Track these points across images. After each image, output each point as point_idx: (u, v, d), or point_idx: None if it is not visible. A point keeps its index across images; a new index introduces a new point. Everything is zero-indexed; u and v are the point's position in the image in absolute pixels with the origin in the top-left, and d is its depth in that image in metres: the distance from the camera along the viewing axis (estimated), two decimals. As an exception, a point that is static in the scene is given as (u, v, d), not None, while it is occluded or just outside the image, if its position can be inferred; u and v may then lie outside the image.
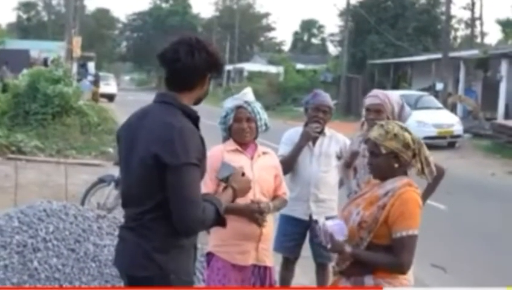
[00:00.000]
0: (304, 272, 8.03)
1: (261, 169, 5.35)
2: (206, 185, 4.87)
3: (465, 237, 11.88)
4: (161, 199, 3.72)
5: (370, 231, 4.27)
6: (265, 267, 5.46)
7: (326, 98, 7.04)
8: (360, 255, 4.29)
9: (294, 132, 7.13)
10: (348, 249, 4.27)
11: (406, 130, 4.39)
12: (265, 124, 5.49)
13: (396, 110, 6.34)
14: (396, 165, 4.35)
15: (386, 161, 4.36)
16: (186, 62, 3.82)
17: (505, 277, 9.55)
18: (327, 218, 4.61)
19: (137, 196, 3.83)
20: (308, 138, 6.87)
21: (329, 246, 4.31)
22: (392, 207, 4.24)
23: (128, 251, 3.88)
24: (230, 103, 5.46)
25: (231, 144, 5.43)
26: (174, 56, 3.85)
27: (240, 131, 5.39)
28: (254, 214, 5.23)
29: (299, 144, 6.86)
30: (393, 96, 6.50)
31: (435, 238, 10.54)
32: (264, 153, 5.55)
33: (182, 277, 3.88)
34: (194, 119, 3.87)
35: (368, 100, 6.46)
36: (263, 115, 5.47)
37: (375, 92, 6.68)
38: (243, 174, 4.24)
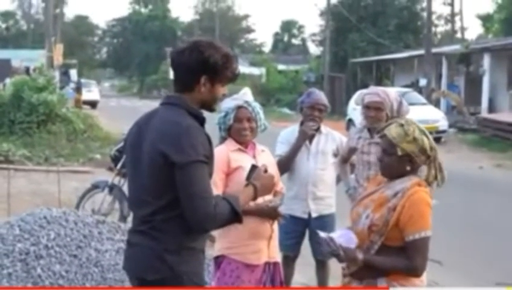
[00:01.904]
0: (302, 270, 8.04)
1: (265, 165, 5.38)
2: (216, 186, 4.92)
3: (457, 230, 11.92)
4: (171, 198, 3.72)
5: (381, 234, 4.21)
6: (275, 263, 5.50)
7: (321, 96, 7.06)
8: (374, 262, 4.21)
9: (290, 131, 7.16)
10: (360, 256, 4.19)
11: (425, 134, 4.29)
12: (264, 124, 5.53)
13: (395, 107, 6.39)
14: (408, 168, 4.27)
15: (400, 163, 4.27)
16: (178, 61, 3.89)
17: (495, 267, 9.72)
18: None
19: (147, 196, 3.82)
20: (306, 137, 6.90)
21: (341, 255, 4.21)
22: (402, 209, 4.16)
23: (139, 254, 3.87)
24: (229, 103, 5.46)
25: (233, 144, 5.44)
26: (171, 56, 3.95)
27: (241, 131, 5.40)
28: (270, 212, 5.26)
29: (297, 143, 6.89)
30: (392, 93, 6.55)
31: (428, 232, 10.58)
32: (262, 150, 5.59)
33: (194, 278, 3.88)
34: (201, 120, 3.88)
35: (368, 98, 6.49)
36: (262, 115, 5.51)
37: (375, 89, 6.73)
38: (266, 171, 4.24)
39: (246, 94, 5.53)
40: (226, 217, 3.78)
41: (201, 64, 3.84)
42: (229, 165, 5.28)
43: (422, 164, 4.30)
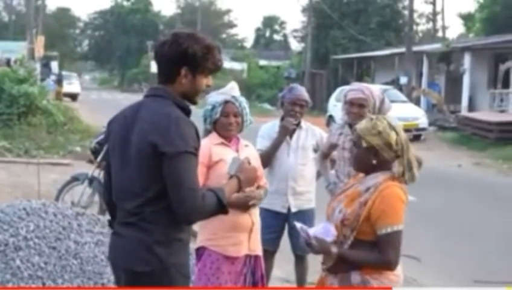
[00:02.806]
0: (281, 265, 8.07)
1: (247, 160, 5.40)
2: None
3: (436, 228, 12.02)
4: (160, 189, 3.71)
5: (353, 228, 4.22)
6: (256, 257, 5.53)
7: (303, 92, 7.08)
8: (347, 255, 4.23)
9: (270, 126, 7.19)
10: (334, 249, 4.21)
11: (394, 129, 4.31)
12: (250, 119, 5.57)
13: (377, 105, 6.42)
14: (374, 162, 4.30)
15: (365, 155, 4.32)
16: (160, 53, 3.90)
17: (473, 264, 9.81)
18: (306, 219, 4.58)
19: (136, 188, 3.81)
20: (287, 132, 6.92)
21: (315, 245, 4.25)
22: (373, 203, 4.18)
23: (129, 246, 3.85)
24: (216, 97, 5.49)
25: (216, 138, 5.47)
26: (155, 49, 3.98)
27: (227, 125, 5.43)
28: (247, 203, 5.28)
29: (278, 138, 6.91)
30: (376, 90, 6.57)
31: (406, 229, 10.61)
32: (246, 145, 5.63)
33: (181, 270, 3.88)
34: (187, 112, 3.89)
35: (352, 94, 6.50)
36: (248, 110, 5.56)
37: (358, 86, 6.74)
38: (249, 163, 4.24)
39: (233, 89, 5.55)
40: (213, 209, 3.78)
41: (181, 55, 3.84)
42: (210, 158, 5.30)
43: (391, 159, 4.32)
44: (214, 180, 5.09)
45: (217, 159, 5.31)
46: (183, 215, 3.70)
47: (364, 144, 4.31)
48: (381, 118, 4.39)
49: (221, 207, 3.82)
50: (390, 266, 4.22)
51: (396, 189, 4.25)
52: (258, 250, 5.57)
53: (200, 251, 5.46)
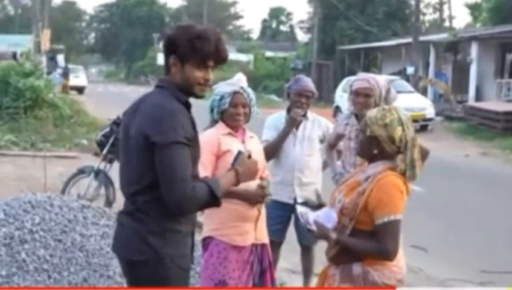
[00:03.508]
0: (287, 255, 8.06)
1: (252, 152, 5.39)
2: (205, 167, 4.99)
3: (442, 218, 11.99)
4: (153, 180, 3.75)
5: (351, 217, 4.21)
6: (263, 245, 5.55)
7: (309, 83, 7.06)
8: (346, 242, 4.23)
9: (276, 117, 7.18)
10: (333, 235, 4.22)
11: (402, 125, 4.27)
12: (256, 110, 5.62)
13: (383, 94, 6.40)
14: (375, 151, 4.30)
15: (368, 143, 4.32)
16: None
17: (480, 254, 9.78)
18: (312, 206, 4.59)
19: (133, 177, 3.86)
20: (294, 124, 6.91)
21: (314, 230, 4.28)
22: (371, 192, 4.17)
23: (126, 236, 3.91)
24: (225, 87, 5.52)
25: (223, 128, 5.49)
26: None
27: (236, 116, 5.46)
28: (256, 194, 5.25)
29: (285, 129, 6.90)
30: (381, 80, 6.55)
31: (413, 219, 10.61)
32: (251, 137, 5.66)
33: (177, 262, 3.90)
34: (183, 103, 3.90)
35: (357, 84, 6.49)
36: (255, 101, 5.59)
37: (364, 76, 6.73)
38: (249, 156, 4.21)
39: (241, 80, 5.59)
40: (204, 200, 3.78)
41: (168, 44, 3.91)
42: (219, 147, 5.33)
43: (393, 153, 4.29)
44: (221, 170, 5.07)
45: (225, 149, 5.32)
46: (173, 205, 3.72)
47: (368, 133, 4.31)
48: (393, 111, 4.34)
49: (213, 199, 3.81)
50: (388, 255, 4.18)
51: (394, 178, 4.23)
52: (265, 238, 5.59)
53: (206, 241, 5.48)
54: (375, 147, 4.30)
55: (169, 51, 3.91)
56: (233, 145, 5.27)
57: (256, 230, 5.45)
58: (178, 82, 3.91)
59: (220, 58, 3.97)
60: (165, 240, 3.84)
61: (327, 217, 4.29)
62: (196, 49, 3.86)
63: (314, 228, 4.28)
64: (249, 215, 5.38)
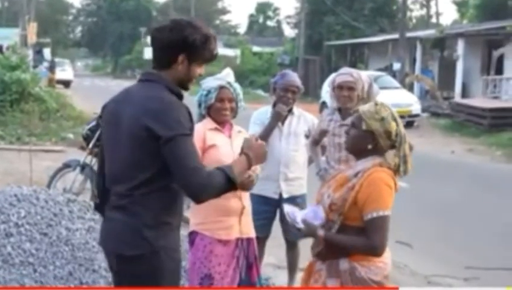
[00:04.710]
0: (272, 251, 8.06)
1: (239, 147, 5.39)
2: None
3: (428, 214, 12.02)
4: (152, 172, 3.77)
5: (340, 213, 4.21)
6: (248, 239, 5.57)
7: (295, 78, 7.07)
8: (334, 239, 4.23)
9: (263, 111, 7.18)
10: (321, 232, 4.22)
11: (396, 120, 4.29)
12: (243, 105, 5.62)
13: (366, 88, 6.46)
14: (369, 147, 4.28)
15: (362, 138, 4.29)
16: (157, 38, 3.92)
17: (465, 250, 9.82)
18: (297, 204, 4.59)
19: (128, 171, 3.84)
20: (279, 118, 6.91)
21: (302, 229, 4.28)
22: (360, 188, 4.17)
23: (119, 230, 3.89)
24: (212, 82, 5.54)
25: (210, 123, 5.51)
26: (151, 33, 3.99)
27: (222, 110, 5.48)
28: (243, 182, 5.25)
29: (270, 124, 6.90)
30: (364, 75, 6.62)
31: (398, 215, 10.64)
32: (239, 131, 5.65)
33: (171, 254, 3.92)
34: (180, 97, 3.91)
35: (341, 78, 6.54)
36: (242, 96, 5.61)
37: (348, 70, 6.78)
38: (256, 139, 4.18)
39: (228, 75, 5.61)
40: (222, 185, 3.78)
41: (181, 42, 3.86)
42: (204, 142, 5.35)
43: (386, 148, 4.30)
44: (206, 165, 5.08)
45: (210, 143, 5.36)
46: (192, 195, 3.75)
47: (364, 127, 4.29)
48: (386, 107, 4.36)
49: (230, 183, 3.81)
50: (376, 251, 4.19)
51: (383, 174, 4.23)
52: (251, 233, 5.61)
53: (192, 235, 5.50)
54: (370, 142, 4.28)
55: (178, 48, 3.88)
56: (220, 140, 5.32)
57: (240, 224, 5.47)
58: (178, 77, 3.93)
59: (214, 57, 4.05)
60: (159, 233, 3.85)
61: (314, 214, 4.30)
62: (206, 49, 3.93)
63: (302, 226, 4.29)
64: (232, 209, 5.40)
